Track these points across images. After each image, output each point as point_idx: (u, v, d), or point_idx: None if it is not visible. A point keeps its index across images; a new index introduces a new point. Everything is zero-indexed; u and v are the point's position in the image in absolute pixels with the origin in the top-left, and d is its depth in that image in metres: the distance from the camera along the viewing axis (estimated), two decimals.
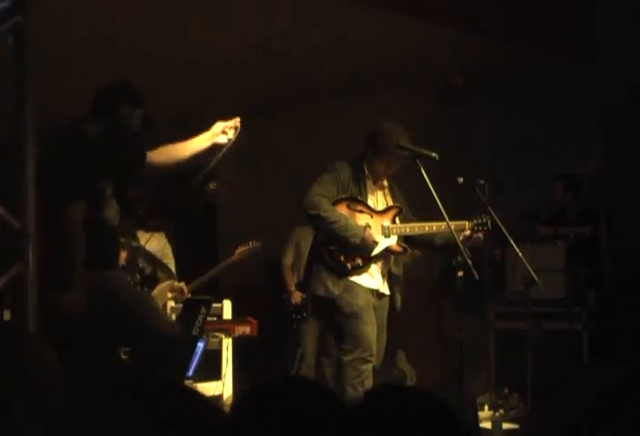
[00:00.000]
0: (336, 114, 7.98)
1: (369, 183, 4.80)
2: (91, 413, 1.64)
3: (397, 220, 4.83)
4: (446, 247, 4.87)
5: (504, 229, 4.76)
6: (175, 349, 3.74)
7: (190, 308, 4.95)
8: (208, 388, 5.35)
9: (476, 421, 4.64)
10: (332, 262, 4.71)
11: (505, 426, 5.18)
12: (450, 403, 1.66)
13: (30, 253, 3.31)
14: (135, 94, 3.86)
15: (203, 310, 5.16)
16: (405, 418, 1.61)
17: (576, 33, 7.49)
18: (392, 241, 4.75)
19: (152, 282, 5.60)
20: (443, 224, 4.59)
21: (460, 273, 5.05)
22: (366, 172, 4.80)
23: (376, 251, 4.68)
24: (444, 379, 6.47)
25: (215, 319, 5.67)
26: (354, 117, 7.45)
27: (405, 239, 4.82)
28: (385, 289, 4.81)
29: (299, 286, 6.93)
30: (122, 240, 4.39)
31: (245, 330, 5.63)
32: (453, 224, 4.53)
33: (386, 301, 4.83)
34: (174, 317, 5.26)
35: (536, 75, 7.75)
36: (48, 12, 4.49)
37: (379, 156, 4.74)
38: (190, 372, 5.00)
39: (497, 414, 5.71)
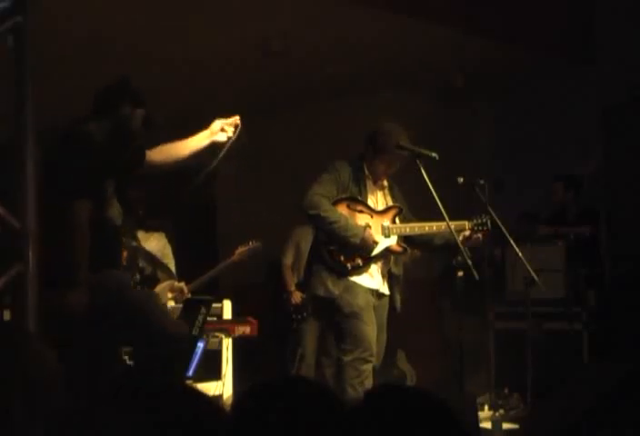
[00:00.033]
0: (336, 114, 7.98)
1: (369, 183, 4.80)
2: (91, 413, 1.64)
3: (397, 220, 4.84)
4: (446, 248, 4.87)
5: (504, 229, 4.76)
6: (181, 348, 3.75)
7: (190, 308, 4.95)
8: (208, 388, 5.35)
9: (476, 421, 4.64)
10: (332, 262, 4.71)
11: (505, 426, 5.18)
12: (450, 403, 1.66)
13: (30, 253, 3.31)
14: (136, 93, 3.86)
15: (203, 310, 5.16)
16: (405, 418, 1.61)
17: (576, 33, 7.49)
18: (392, 241, 4.75)
19: (152, 282, 5.60)
20: (443, 224, 4.59)
21: (460, 273, 5.05)
22: (366, 172, 4.80)
23: (376, 251, 4.68)
24: (444, 379, 6.47)
25: (215, 319, 5.66)
26: (354, 117, 7.45)
27: (404, 239, 4.82)
28: (384, 289, 4.81)
29: (299, 286, 6.93)
30: (123, 240, 4.39)
31: (245, 330, 5.63)
32: (453, 224, 4.53)
33: (386, 301, 4.83)
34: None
35: (536, 75, 7.75)
36: (48, 12, 4.49)
37: (379, 156, 4.74)
38: (190, 372, 5.00)
39: (497, 414, 5.71)
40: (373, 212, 4.79)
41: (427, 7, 6.15)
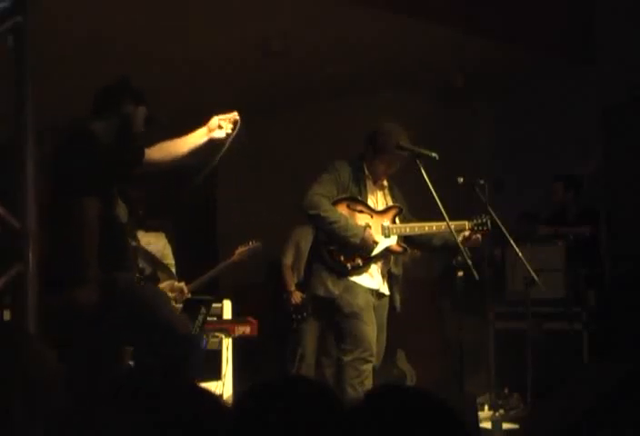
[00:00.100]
0: (336, 114, 7.98)
1: (369, 183, 4.80)
2: (91, 413, 1.64)
3: (397, 220, 4.83)
4: (445, 248, 4.87)
5: (504, 229, 4.76)
6: (194, 348, 3.75)
7: (190, 308, 4.95)
8: (208, 388, 5.35)
9: (476, 421, 4.64)
10: (332, 262, 4.71)
11: (505, 426, 5.18)
12: (450, 403, 1.66)
13: (30, 253, 3.31)
14: (137, 91, 3.85)
15: (203, 310, 5.16)
16: (406, 418, 1.61)
17: (576, 33, 7.49)
18: (392, 241, 4.75)
19: (152, 282, 5.59)
20: (443, 224, 4.59)
21: (460, 273, 5.05)
22: (366, 172, 4.80)
23: (376, 251, 4.68)
24: (444, 379, 6.47)
25: (215, 319, 5.67)
26: (354, 117, 7.45)
27: (404, 239, 4.82)
28: (384, 289, 4.81)
29: (299, 286, 6.93)
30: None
31: (245, 330, 5.63)
32: (452, 224, 4.53)
33: (386, 301, 4.82)
34: None
35: (536, 75, 7.75)
36: (48, 12, 4.49)
37: (379, 156, 4.74)
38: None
39: (497, 414, 5.71)
40: (373, 212, 4.79)
41: (427, 7, 6.15)
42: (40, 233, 3.49)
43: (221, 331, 5.56)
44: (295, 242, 7.12)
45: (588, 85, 7.49)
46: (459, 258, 4.64)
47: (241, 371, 5.67)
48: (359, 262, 4.70)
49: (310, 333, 6.60)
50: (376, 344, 4.68)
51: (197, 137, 3.95)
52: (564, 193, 7.01)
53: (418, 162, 4.57)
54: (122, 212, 3.76)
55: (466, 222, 4.75)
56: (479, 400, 5.76)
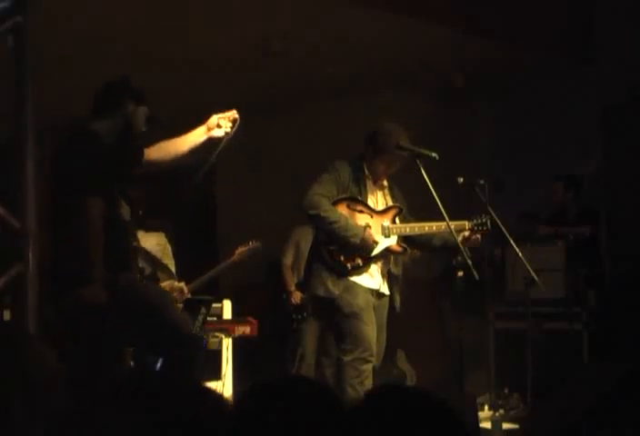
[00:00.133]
0: (336, 114, 7.98)
1: (369, 183, 4.80)
2: (91, 413, 1.64)
3: (397, 220, 4.83)
4: (445, 248, 4.87)
5: (504, 229, 4.76)
6: (199, 349, 3.75)
7: (190, 308, 4.95)
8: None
9: (476, 421, 4.64)
10: (332, 262, 4.71)
11: (505, 426, 5.18)
12: (450, 403, 1.66)
13: (30, 253, 3.31)
14: (137, 91, 3.85)
15: (203, 310, 5.17)
16: (406, 418, 1.61)
17: (576, 33, 7.49)
18: (392, 241, 4.75)
19: (152, 282, 5.59)
20: (443, 224, 4.59)
21: (460, 273, 5.05)
22: (366, 172, 4.80)
23: (376, 251, 4.68)
24: (444, 379, 6.47)
25: (215, 319, 5.67)
26: (354, 117, 7.45)
27: (403, 239, 4.82)
28: (384, 289, 4.81)
29: (299, 286, 6.93)
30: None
31: (245, 330, 5.63)
32: (452, 224, 4.53)
33: (386, 301, 4.82)
34: None
35: (536, 75, 7.75)
36: (48, 12, 4.48)
37: (379, 156, 4.74)
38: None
39: (497, 414, 5.71)
40: (373, 212, 4.79)
41: (427, 7, 6.15)
42: (44, 234, 3.49)
43: (221, 331, 5.57)
44: (295, 242, 7.13)
45: (588, 85, 7.49)
46: (459, 258, 4.64)
47: (241, 371, 5.67)
48: (359, 262, 4.70)
49: (310, 333, 6.60)
50: (376, 344, 4.68)
51: (196, 136, 3.95)
52: (564, 193, 7.01)
53: (418, 162, 4.57)
54: (125, 210, 3.76)
55: (466, 223, 4.74)
56: (479, 400, 5.76)
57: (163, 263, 5.71)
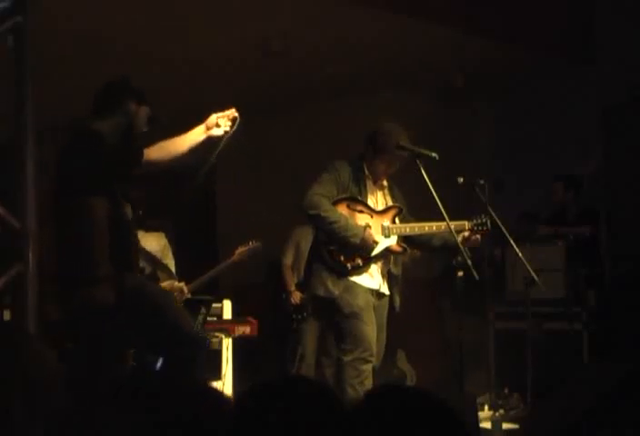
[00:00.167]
0: (336, 114, 7.98)
1: (369, 183, 4.80)
2: (91, 413, 1.64)
3: (397, 220, 4.83)
4: (444, 248, 4.87)
5: (504, 229, 4.76)
6: (201, 348, 3.75)
7: (190, 308, 4.95)
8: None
9: (476, 421, 4.64)
10: (332, 262, 4.71)
11: (505, 426, 5.18)
12: (450, 403, 1.66)
13: (30, 253, 3.32)
14: (139, 91, 3.84)
15: (203, 310, 5.17)
16: (406, 418, 1.61)
17: (576, 33, 7.49)
18: (392, 241, 4.75)
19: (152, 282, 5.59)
20: (443, 224, 4.59)
21: (460, 273, 5.05)
22: (366, 172, 4.80)
23: (376, 251, 4.68)
24: (444, 379, 6.47)
25: (215, 319, 5.67)
26: (354, 117, 7.45)
27: (403, 239, 4.82)
28: (384, 289, 4.81)
29: (299, 286, 6.93)
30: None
31: (245, 330, 5.63)
32: (452, 225, 4.53)
33: (386, 301, 4.82)
34: None
35: (536, 75, 7.75)
36: (48, 12, 4.49)
37: (379, 156, 4.74)
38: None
39: (497, 414, 5.71)
40: (373, 212, 4.79)
41: (427, 7, 6.15)
42: (48, 234, 3.49)
43: (221, 331, 5.56)
44: (295, 242, 7.13)
45: (588, 85, 7.49)
46: (459, 258, 4.64)
47: (241, 371, 5.66)
48: (359, 262, 4.70)
49: (310, 333, 6.60)
50: (376, 344, 4.68)
51: (196, 135, 3.94)
52: (564, 193, 7.01)
53: (418, 162, 4.57)
54: (128, 210, 3.76)
55: (466, 223, 4.74)
56: (479, 400, 5.76)
57: (163, 263, 5.71)
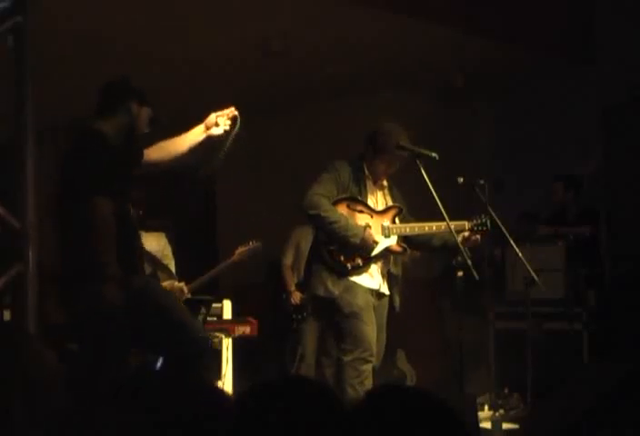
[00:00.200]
0: (336, 114, 7.98)
1: (369, 183, 4.80)
2: (91, 413, 1.64)
3: (397, 220, 4.83)
4: (444, 249, 4.87)
5: (504, 229, 4.76)
6: (206, 348, 3.76)
7: (190, 308, 4.95)
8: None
9: (476, 421, 4.64)
10: (332, 262, 4.71)
11: (505, 426, 5.18)
12: (450, 403, 1.66)
13: (30, 253, 3.32)
14: (141, 92, 3.84)
15: (203, 310, 5.17)
16: (406, 418, 1.61)
17: (576, 33, 7.49)
18: (392, 241, 4.75)
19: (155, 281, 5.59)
20: (443, 225, 4.58)
21: (460, 273, 5.04)
22: (366, 172, 4.79)
23: (376, 251, 4.68)
24: (444, 379, 6.47)
25: (215, 319, 5.67)
26: (354, 117, 7.45)
27: (402, 239, 4.82)
28: (384, 289, 4.81)
29: (299, 286, 6.92)
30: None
31: (245, 330, 5.63)
32: (452, 225, 4.53)
33: (386, 301, 4.82)
34: None
35: (536, 75, 7.75)
36: (48, 12, 4.49)
37: (379, 156, 4.74)
38: None
39: (497, 414, 5.71)
40: (373, 212, 4.79)
41: (427, 7, 6.15)
42: (53, 235, 3.48)
43: (221, 331, 5.57)
44: (295, 243, 7.12)
45: (588, 85, 7.49)
46: (459, 258, 4.63)
47: (241, 371, 5.66)
48: (359, 262, 4.70)
49: (310, 333, 6.60)
50: (376, 344, 4.68)
51: (195, 135, 3.94)
52: (564, 193, 7.01)
53: (418, 162, 4.57)
54: (131, 211, 3.76)
55: (466, 223, 4.74)
56: (479, 400, 5.76)
57: (163, 263, 5.71)
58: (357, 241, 4.61)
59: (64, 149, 3.67)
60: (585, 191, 7.08)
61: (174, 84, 7.24)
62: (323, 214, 4.61)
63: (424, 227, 4.76)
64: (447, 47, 6.74)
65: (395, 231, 4.76)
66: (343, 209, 4.71)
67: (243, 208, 8.64)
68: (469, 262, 4.38)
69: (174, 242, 6.05)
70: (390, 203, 4.86)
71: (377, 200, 4.85)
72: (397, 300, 4.85)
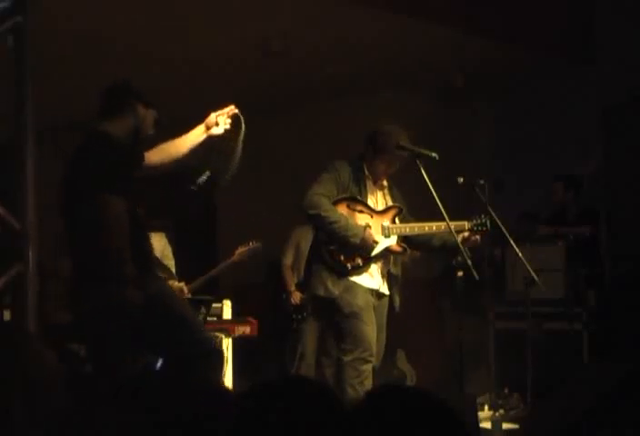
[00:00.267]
0: (336, 114, 7.98)
1: (369, 183, 4.80)
2: (91, 413, 1.64)
3: (397, 220, 4.83)
4: (444, 248, 4.87)
5: (504, 229, 4.76)
6: (213, 348, 3.76)
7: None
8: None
9: (476, 421, 4.64)
10: (332, 262, 4.71)
11: (505, 426, 5.18)
12: (450, 403, 1.66)
13: (30, 253, 3.32)
14: (145, 94, 3.84)
15: (203, 310, 5.17)
16: (406, 418, 1.61)
17: (576, 33, 7.49)
18: (392, 241, 4.75)
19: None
20: (442, 225, 4.59)
21: (460, 273, 5.04)
22: (366, 172, 4.80)
23: (376, 251, 4.68)
24: (444, 379, 6.47)
25: (215, 319, 5.67)
26: (354, 117, 7.45)
27: (402, 239, 4.82)
28: (384, 289, 4.81)
29: (299, 286, 6.92)
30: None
31: (245, 330, 5.63)
32: (452, 225, 4.53)
33: (386, 301, 4.83)
34: None
35: (536, 75, 7.75)
36: (48, 12, 4.49)
37: (379, 156, 4.74)
38: None
39: (497, 414, 5.71)
40: (373, 212, 4.79)
41: (427, 7, 6.15)
42: (66, 236, 3.47)
43: (221, 331, 5.57)
44: (295, 242, 7.12)
45: (588, 85, 7.49)
46: (459, 258, 4.63)
47: (241, 371, 5.67)
48: (359, 262, 4.70)
49: (310, 333, 6.59)
50: (376, 344, 4.68)
51: (196, 136, 3.93)
52: (564, 193, 7.01)
53: (418, 162, 4.57)
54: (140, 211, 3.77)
55: (466, 223, 4.74)
56: (479, 400, 5.76)
57: (163, 264, 5.71)
58: (357, 241, 4.61)
59: (74, 150, 3.66)
60: (585, 191, 7.08)
61: (174, 84, 7.24)
62: (323, 214, 4.61)
63: (424, 227, 4.76)
64: (447, 47, 6.74)
65: (394, 231, 4.76)
66: (343, 209, 4.71)
67: (243, 208, 8.64)
68: (469, 262, 4.37)
69: (174, 242, 6.05)
70: (390, 203, 4.86)
71: (377, 200, 4.85)
72: (397, 300, 4.85)
